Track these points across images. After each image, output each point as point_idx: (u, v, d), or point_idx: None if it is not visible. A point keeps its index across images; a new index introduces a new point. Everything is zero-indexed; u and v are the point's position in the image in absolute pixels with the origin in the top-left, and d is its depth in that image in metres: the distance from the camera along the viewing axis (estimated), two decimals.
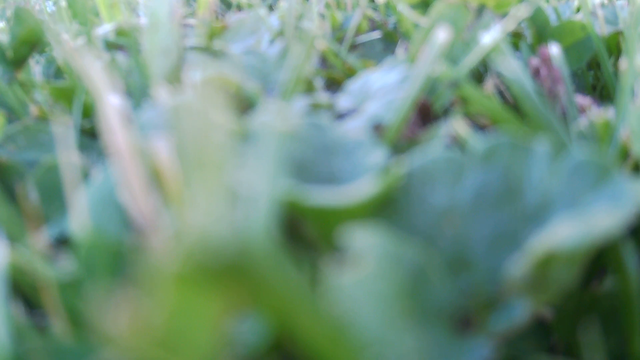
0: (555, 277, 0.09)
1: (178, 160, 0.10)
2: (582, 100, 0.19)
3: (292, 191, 0.10)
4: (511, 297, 0.10)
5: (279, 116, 0.09)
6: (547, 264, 0.09)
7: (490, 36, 0.16)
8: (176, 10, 0.18)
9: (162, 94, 0.15)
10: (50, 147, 0.19)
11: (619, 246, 0.11)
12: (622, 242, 0.11)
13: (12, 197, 0.17)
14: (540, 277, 0.09)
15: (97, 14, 0.28)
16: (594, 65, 0.24)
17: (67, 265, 0.10)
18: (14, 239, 0.13)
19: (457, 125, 0.13)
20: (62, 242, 0.14)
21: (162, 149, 0.11)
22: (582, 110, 0.18)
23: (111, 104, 0.10)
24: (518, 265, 0.10)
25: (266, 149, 0.09)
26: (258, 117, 0.13)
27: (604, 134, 0.14)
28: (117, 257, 0.10)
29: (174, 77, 0.18)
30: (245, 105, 0.17)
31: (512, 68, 0.14)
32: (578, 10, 0.26)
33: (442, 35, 0.14)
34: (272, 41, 0.22)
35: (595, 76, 0.25)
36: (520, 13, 0.16)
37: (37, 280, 0.11)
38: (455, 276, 0.11)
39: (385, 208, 0.11)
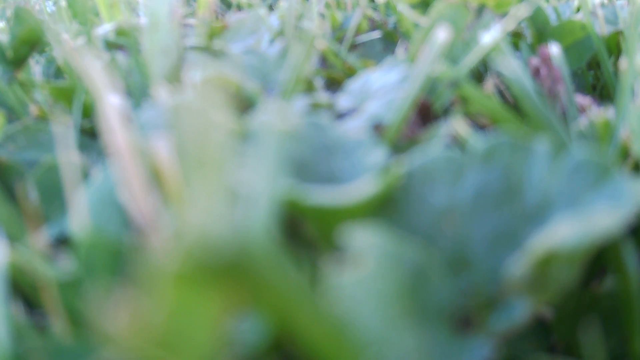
0: (555, 277, 0.09)
1: (178, 160, 0.10)
2: (582, 100, 0.19)
3: (292, 191, 0.10)
4: (511, 296, 0.10)
5: (279, 116, 0.09)
6: (547, 263, 0.09)
7: (490, 36, 0.16)
8: (176, 10, 0.18)
9: (162, 94, 0.15)
10: (50, 147, 0.19)
11: (619, 246, 0.11)
12: (622, 242, 0.11)
13: (12, 197, 0.17)
14: (540, 277, 0.09)
15: (97, 14, 0.28)
16: (594, 65, 0.24)
17: (66, 264, 0.10)
18: (13, 238, 0.13)
19: (457, 125, 0.13)
20: (62, 242, 0.14)
21: (162, 149, 0.11)
22: (582, 110, 0.18)
23: (111, 103, 0.10)
24: (518, 265, 0.10)
25: (266, 148, 0.09)
26: (258, 117, 0.13)
27: (604, 134, 0.14)
28: (116, 256, 0.10)
29: (174, 77, 0.18)
30: (245, 105, 0.17)
31: (512, 68, 0.14)
32: (578, 10, 0.26)
33: (442, 35, 0.14)
34: (272, 41, 0.22)
35: (595, 76, 0.25)
36: (520, 13, 0.16)
37: (37, 280, 0.11)
38: (456, 276, 0.11)
39: (385, 207, 0.11)
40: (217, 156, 0.07)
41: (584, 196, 0.11)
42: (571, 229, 0.09)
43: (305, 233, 0.12)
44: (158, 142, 0.11)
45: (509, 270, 0.10)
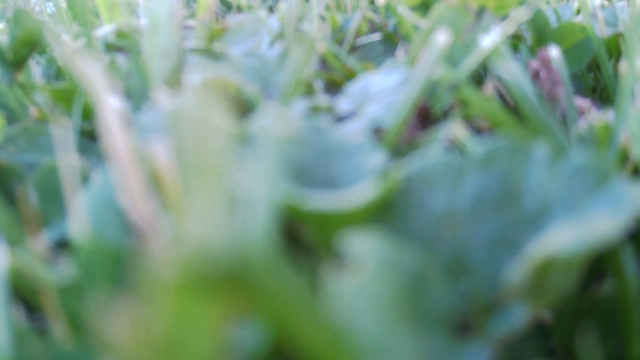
0: (553, 282, 0.09)
1: (177, 165, 0.10)
2: (582, 102, 0.19)
3: (291, 195, 0.10)
4: (510, 301, 0.10)
5: (279, 121, 0.09)
6: (545, 269, 0.09)
7: (490, 39, 0.16)
8: (176, 13, 0.18)
9: (161, 97, 0.15)
10: (50, 149, 0.19)
11: (618, 250, 0.11)
12: (621, 247, 0.11)
13: (12, 199, 0.17)
14: (539, 282, 0.09)
15: (97, 15, 0.28)
16: (594, 67, 0.24)
17: (66, 269, 0.10)
18: (13, 242, 0.13)
19: (456, 129, 0.13)
20: (62, 245, 0.14)
21: (162, 153, 0.11)
22: (581, 112, 0.18)
23: (111, 108, 0.10)
24: (517, 271, 0.10)
25: (265, 153, 0.09)
26: (258, 121, 0.13)
27: (603, 138, 0.14)
28: (117, 262, 0.10)
29: (174, 79, 0.18)
30: (245, 108, 0.17)
31: (512, 72, 0.14)
32: (578, 12, 0.26)
33: (441, 38, 0.14)
34: (272, 43, 0.22)
35: (595, 78, 0.25)
36: (520, 16, 0.16)
37: (37, 284, 0.11)
38: (455, 280, 0.11)
39: (385, 212, 0.11)
40: (217, 161, 0.07)
41: (582, 201, 0.11)
42: (570, 235, 0.09)
43: (304, 237, 0.12)
44: (157, 147, 0.11)
45: (508, 275, 0.10)
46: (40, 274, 0.10)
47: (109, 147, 0.10)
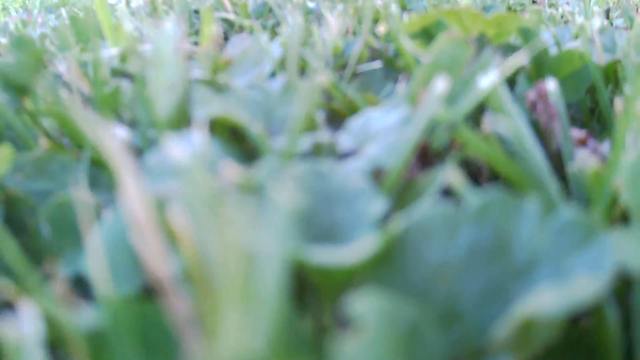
0: (537, 337, 0.10)
1: (191, 223, 0.11)
2: (578, 133, 0.19)
3: (299, 252, 0.11)
4: (497, 351, 0.11)
5: (286, 192, 0.10)
6: (528, 327, 0.10)
7: (489, 79, 0.16)
8: (181, 46, 0.18)
9: (168, 141, 0.15)
10: (61, 177, 0.19)
11: (601, 305, 0.12)
12: (604, 301, 0.12)
13: (22, 229, 0.17)
14: (523, 337, 0.10)
15: (99, 34, 0.28)
16: (592, 90, 0.25)
17: (90, 317, 0.11)
18: (26, 277, 0.13)
19: (452, 177, 0.14)
20: (79, 282, 0.15)
21: (175, 211, 0.11)
22: (578, 144, 0.19)
23: (128, 176, 0.11)
24: (502, 327, 0.10)
25: (275, 220, 0.09)
26: (264, 169, 0.13)
27: (596, 182, 0.15)
28: (142, 319, 0.11)
29: (180, 112, 0.18)
30: (250, 144, 0.17)
31: (509, 127, 0.14)
32: (577, 36, 0.26)
33: (441, 85, 0.15)
34: (274, 73, 0.23)
35: (593, 99, 0.25)
36: (519, 59, 0.17)
37: (61, 329, 0.11)
38: (447, 329, 0.11)
39: (384, 263, 0.12)
40: (229, 219, 0.08)
41: (568, 257, 0.11)
42: (551, 298, 0.10)
43: (310, 281, 0.12)
44: (168, 192, 0.12)
45: (494, 330, 0.11)
46: (65, 321, 0.11)
47: (128, 211, 0.11)
